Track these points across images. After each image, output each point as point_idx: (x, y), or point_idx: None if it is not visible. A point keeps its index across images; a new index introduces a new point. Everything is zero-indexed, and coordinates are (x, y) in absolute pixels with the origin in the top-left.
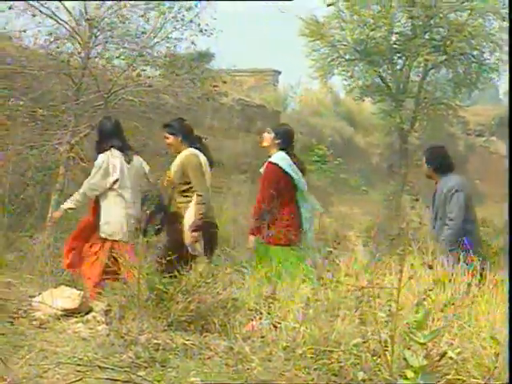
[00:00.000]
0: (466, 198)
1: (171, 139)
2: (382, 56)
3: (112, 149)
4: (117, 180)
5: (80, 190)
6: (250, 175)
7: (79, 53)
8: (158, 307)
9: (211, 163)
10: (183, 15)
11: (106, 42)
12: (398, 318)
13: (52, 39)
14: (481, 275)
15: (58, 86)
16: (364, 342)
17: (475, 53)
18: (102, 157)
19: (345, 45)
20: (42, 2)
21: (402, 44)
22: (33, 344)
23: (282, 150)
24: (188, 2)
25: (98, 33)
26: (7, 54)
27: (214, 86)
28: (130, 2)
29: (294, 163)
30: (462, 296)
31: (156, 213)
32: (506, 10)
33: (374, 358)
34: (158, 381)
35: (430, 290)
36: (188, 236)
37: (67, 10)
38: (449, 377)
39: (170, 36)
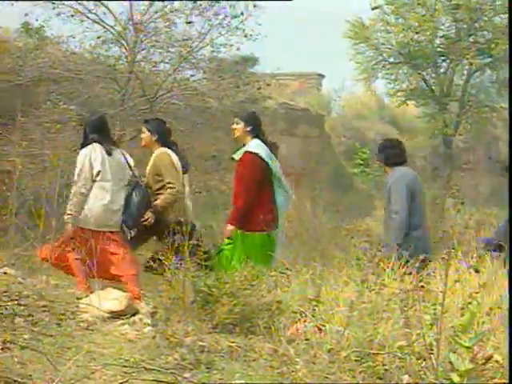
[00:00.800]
0: (410, 191)
1: (146, 135)
2: (426, 59)
3: (93, 143)
4: (99, 172)
5: (75, 192)
6: (294, 178)
7: (126, 57)
8: (203, 309)
9: (186, 167)
10: (229, 21)
11: (152, 47)
12: (444, 321)
13: (99, 44)
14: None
15: (105, 90)
16: (409, 345)
17: None
18: (83, 151)
19: (389, 48)
20: (90, 8)
21: (447, 47)
22: (80, 345)
23: (255, 137)
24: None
25: (144, 37)
26: (55, 59)
27: (258, 89)
28: (175, 6)
29: (268, 147)
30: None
31: (143, 206)
32: None
33: (419, 361)
34: (204, 383)
35: (475, 293)
36: (147, 215)
37: (114, 15)
38: (495, 380)
39: (215, 41)
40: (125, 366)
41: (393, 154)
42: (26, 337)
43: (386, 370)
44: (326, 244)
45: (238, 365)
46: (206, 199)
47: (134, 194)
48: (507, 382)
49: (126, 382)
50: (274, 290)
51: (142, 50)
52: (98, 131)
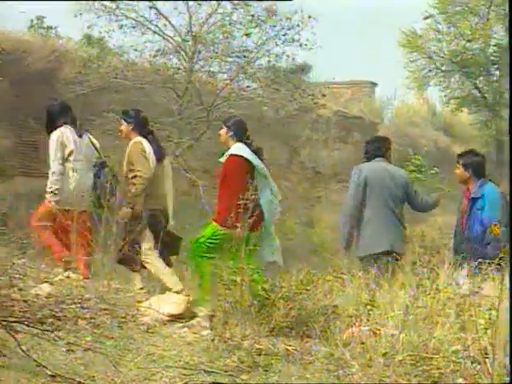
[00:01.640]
0: (365, 183)
1: (124, 126)
2: (479, 67)
3: (63, 125)
4: (72, 151)
5: (52, 172)
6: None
7: (184, 67)
8: (261, 313)
9: (160, 155)
10: (286, 33)
11: (211, 58)
12: (499, 325)
13: (159, 54)
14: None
15: (163, 99)
16: (464, 349)
17: None
18: (55, 133)
19: (442, 56)
20: (151, 19)
21: (499, 55)
22: (140, 348)
23: (238, 141)
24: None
25: (202, 48)
26: (117, 69)
27: (312, 99)
28: (233, 18)
29: (253, 151)
30: None
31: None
32: None
33: (474, 365)
34: None
35: None
36: (123, 211)
37: (173, 26)
38: None
39: (271, 52)
40: (184, 368)
41: (370, 149)
42: (88, 339)
43: (441, 373)
44: None
45: (295, 368)
46: None
47: (100, 174)
48: (507, 382)
49: (186, 383)
50: (330, 294)
51: (200, 60)
52: (65, 115)
